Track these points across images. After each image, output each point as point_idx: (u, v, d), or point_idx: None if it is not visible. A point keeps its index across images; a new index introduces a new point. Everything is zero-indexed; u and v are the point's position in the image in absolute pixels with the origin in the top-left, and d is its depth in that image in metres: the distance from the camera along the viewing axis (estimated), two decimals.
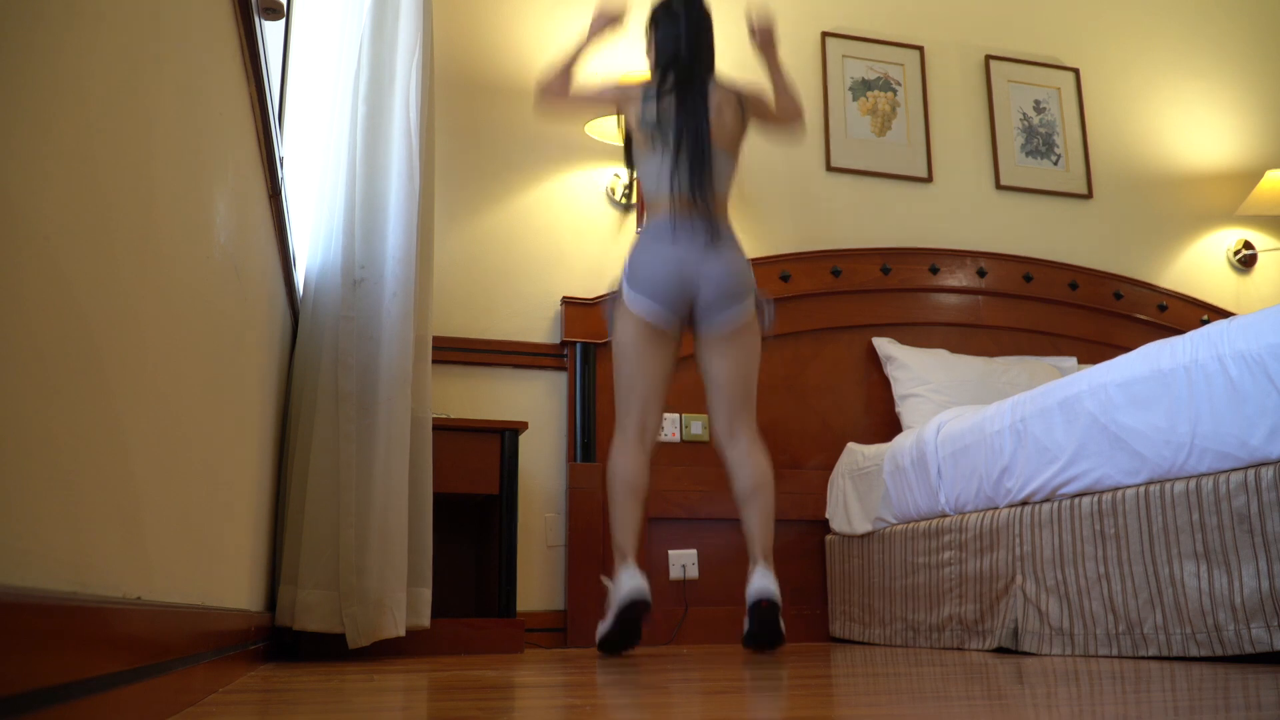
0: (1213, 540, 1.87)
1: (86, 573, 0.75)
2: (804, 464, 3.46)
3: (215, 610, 1.37)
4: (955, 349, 3.63)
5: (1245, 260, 4.31)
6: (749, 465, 2.59)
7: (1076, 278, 3.95)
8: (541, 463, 3.27)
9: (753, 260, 3.50)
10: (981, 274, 3.85)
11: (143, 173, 0.92)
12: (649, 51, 2.79)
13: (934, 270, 3.80)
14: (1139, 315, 4.00)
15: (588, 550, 3.18)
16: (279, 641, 2.37)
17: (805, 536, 3.40)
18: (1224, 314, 4.05)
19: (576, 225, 3.50)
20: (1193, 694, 1.30)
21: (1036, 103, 4.18)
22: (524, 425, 2.92)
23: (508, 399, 3.29)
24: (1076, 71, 4.26)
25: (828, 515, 3.35)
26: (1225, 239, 4.33)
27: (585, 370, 3.30)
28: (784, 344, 3.53)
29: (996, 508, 2.55)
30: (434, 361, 2.76)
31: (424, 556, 2.46)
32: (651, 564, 3.23)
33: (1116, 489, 2.14)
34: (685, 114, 2.62)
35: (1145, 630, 2.03)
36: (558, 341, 3.37)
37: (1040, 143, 4.14)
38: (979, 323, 3.81)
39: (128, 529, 0.89)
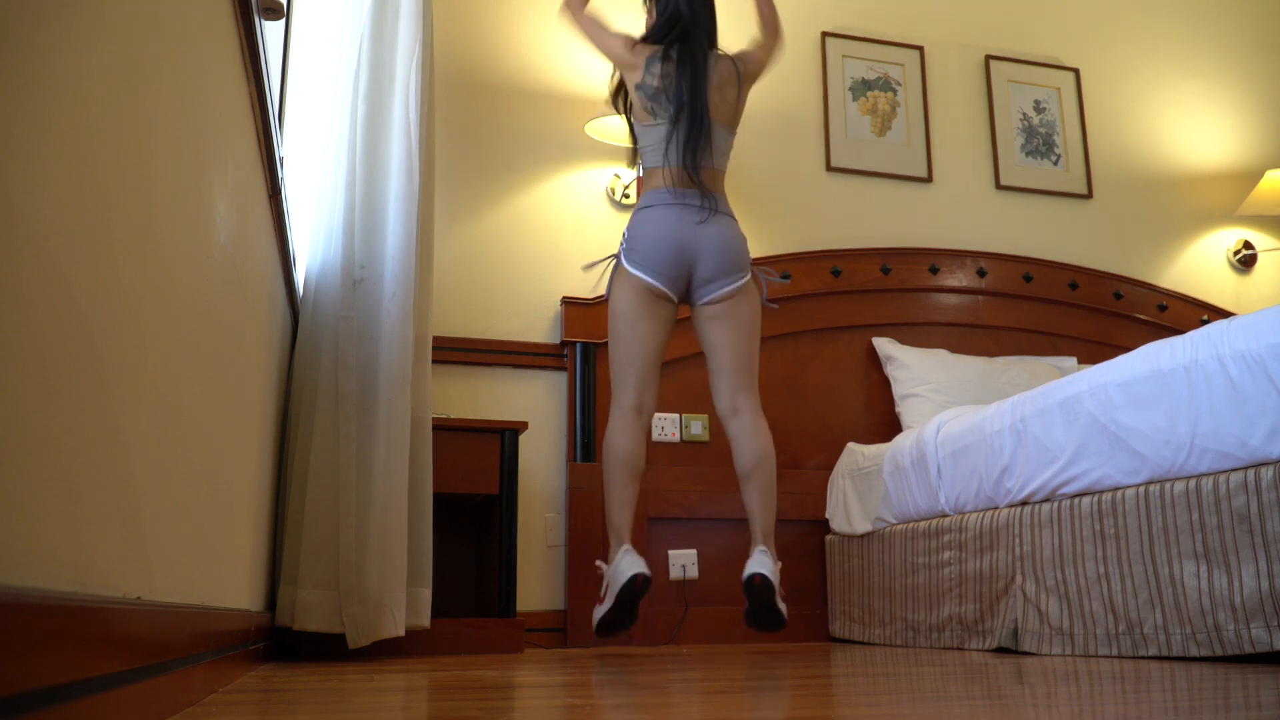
0: (1213, 540, 1.87)
1: (86, 573, 0.75)
2: (804, 464, 3.46)
3: (215, 610, 1.37)
4: (955, 349, 3.63)
5: (1245, 260, 4.31)
6: (752, 440, 2.57)
7: (1076, 278, 3.96)
8: (541, 463, 3.27)
9: (753, 260, 3.52)
10: (981, 274, 3.85)
11: (143, 173, 0.92)
12: (649, 20, 2.78)
13: (934, 270, 3.80)
14: (1139, 315, 4.00)
15: (588, 550, 3.18)
16: (279, 641, 2.37)
17: (805, 536, 3.40)
18: (1224, 314, 4.06)
19: (576, 225, 3.50)
20: (1193, 694, 1.30)
21: (1036, 103, 4.18)
22: (524, 425, 2.92)
23: (508, 399, 3.29)
24: (1076, 71, 4.26)
25: (828, 515, 3.35)
26: (1225, 239, 4.33)
27: (585, 370, 3.30)
28: (784, 344, 3.53)
29: (996, 508, 2.55)
30: (434, 361, 2.76)
31: (424, 556, 2.46)
32: (651, 564, 3.22)
33: (1116, 489, 2.14)
34: (685, 85, 2.62)
35: (1145, 630, 2.03)
36: (558, 341, 3.37)
37: (1040, 143, 4.15)
38: (979, 323, 3.81)
39: (128, 529, 0.89)
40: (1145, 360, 2.10)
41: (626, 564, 2.43)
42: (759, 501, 2.54)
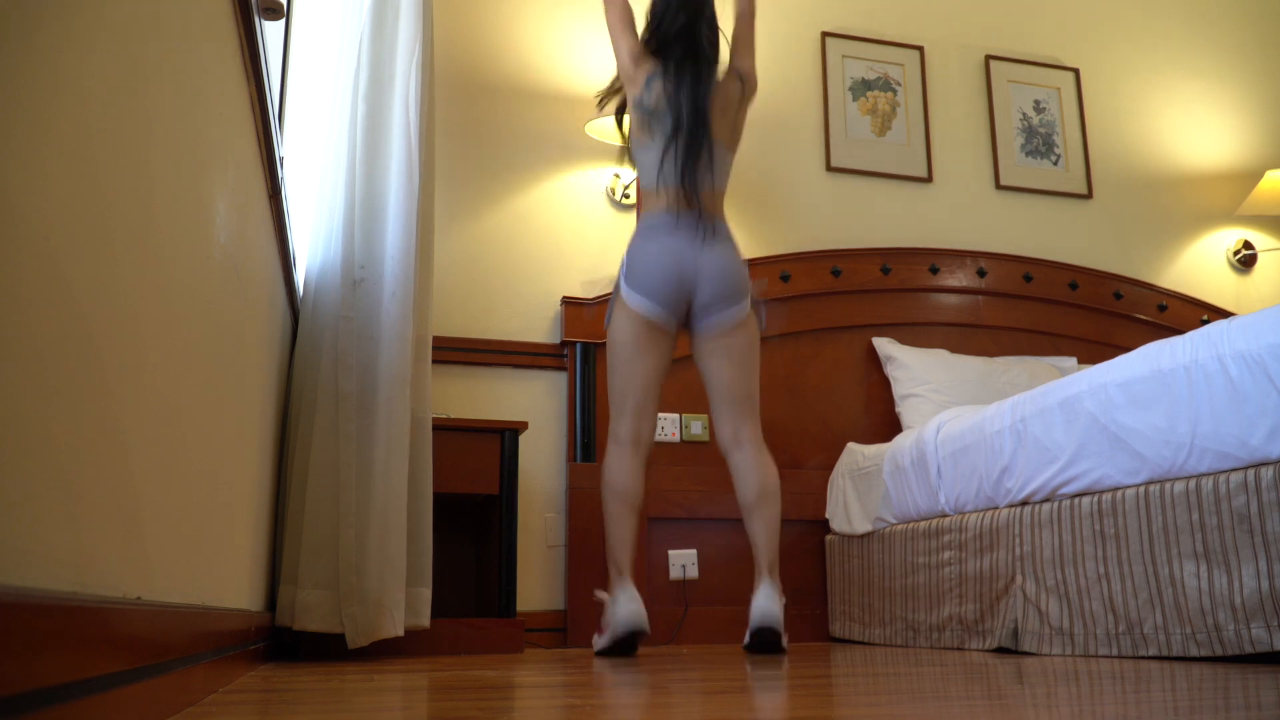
0: (1213, 540, 1.87)
1: (86, 573, 0.75)
2: (804, 464, 3.46)
3: (215, 610, 1.37)
4: (955, 349, 3.63)
5: (1245, 260, 4.31)
6: (755, 472, 2.55)
7: (1076, 278, 3.96)
8: (541, 463, 3.27)
9: (753, 260, 3.52)
10: (981, 274, 3.85)
11: (143, 173, 0.92)
12: (649, 35, 2.71)
13: (934, 270, 3.80)
14: (1139, 315, 4.00)
15: (588, 550, 3.18)
16: (279, 641, 2.37)
17: (805, 536, 3.40)
18: (1224, 314, 4.06)
19: (576, 225, 3.50)
20: (1193, 694, 1.30)
21: (1036, 103, 4.18)
22: (524, 425, 2.92)
23: (508, 399, 3.29)
24: (1076, 71, 4.26)
25: (828, 515, 3.35)
26: (1225, 239, 4.33)
27: (585, 370, 3.30)
28: (784, 344, 3.53)
29: (996, 508, 2.55)
30: (434, 361, 2.76)
31: (424, 556, 2.46)
32: (651, 564, 3.23)
33: (1116, 489, 2.14)
34: (684, 102, 2.57)
35: (1145, 630, 2.03)
36: (558, 341, 3.37)
37: (1040, 143, 4.15)
38: (979, 323, 3.81)
39: (128, 529, 0.89)
40: (1145, 360, 2.10)
41: (626, 613, 2.41)
42: (764, 534, 2.51)
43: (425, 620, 2.44)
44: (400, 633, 2.32)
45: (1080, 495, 2.25)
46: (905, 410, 3.41)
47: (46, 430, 0.67)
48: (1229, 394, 1.87)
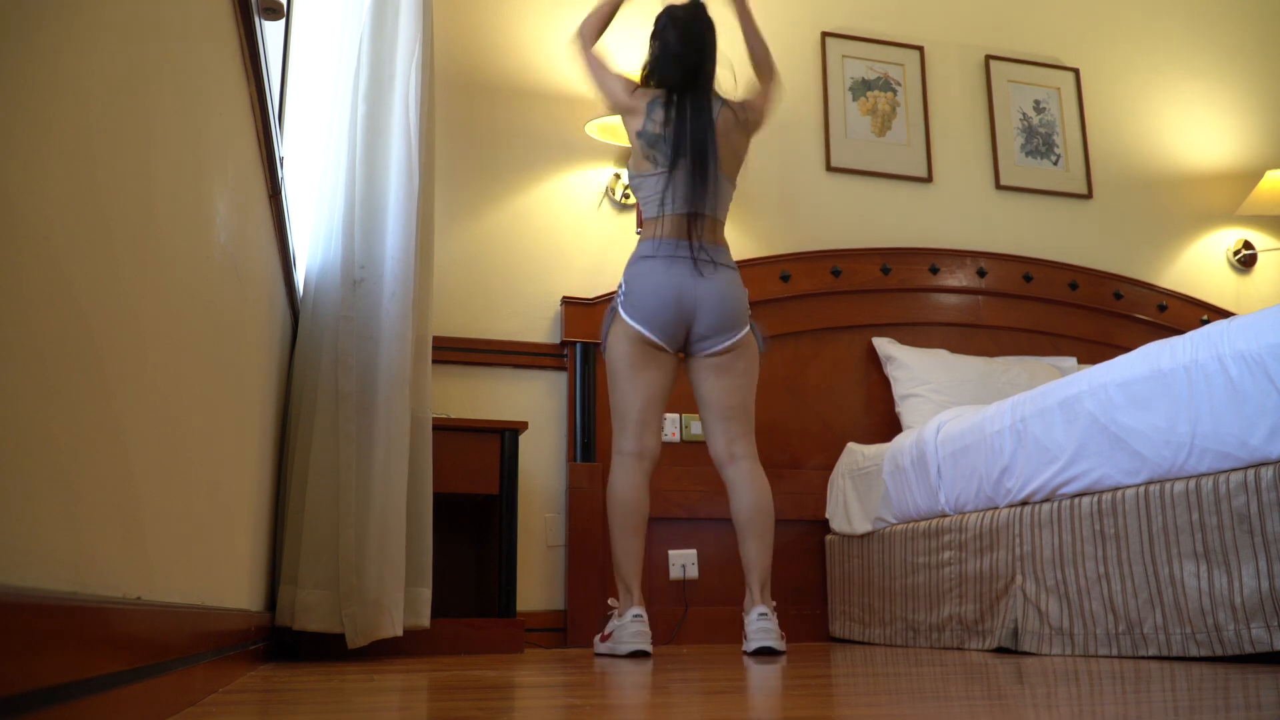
0: (1213, 540, 1.87)
1: (86, 573, 0.75)
2: (804, 464, 3.46)
3: (215, 610, 1.37)
4: (955, 349, 3.63)
5: (1245, 260, 4.31)
6: (750, 489, 2.54)
7: (1076, 278, 3.96)
8: (541, 463, 3.27)
9: (752, 260, 3.53)
10: (981, 274, 3.85)
11: (143, 173, 0.92)
12: (651, 62, 2.71)
13: (934, 270, 3.80)
14: (1139, 315, 4.00)
15: (588, 550, 3.18)
16: (279, 641, 2.37)
17: (805, 536, 3.40)
18: (1224, 314, 4.06)
19: (576, 225, 3.50)
20: (1193, 694, 1.30)
21: (1036, 103, 4.18)
22: (524, 425, 2.92)
23: (508, 399, 3.29)
24: (1076, 71, 4.26)
25: (828, 515, 3.35)
26: (1225, 239, 4.33)
27: (585, 370, 3.30)
28: (784, 344, 3.53)
29: (996, 508, 2.55)
30: (434, 361, 2.76)
31: (424, 556, 2.46)
32: (651, 564, 3.23)
33: (1116, 489, 2.14)
34: (688, 133, 2.55)
35: (1145, 630, 2.03)
36: (558, 341, 3.37)
37: (1040, 143, 4.15)
38: (979, 323, 3.81)
39: (128, 529, 0.89)
40: (1145, 360, 2.10)
41: (630, 634, 2.41)
42: (757, 551, 2.51)
43: (425, 620, 2.44)
44: (399, 633, 2.32)
45: (1080, 495, 2.25)
46: (905, 410, 3.41)
47: (46, 430, 0.67)
48: (1229, 394, 1.87)
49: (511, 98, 3.51)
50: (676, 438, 3.37)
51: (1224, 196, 4.34)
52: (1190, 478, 1.95)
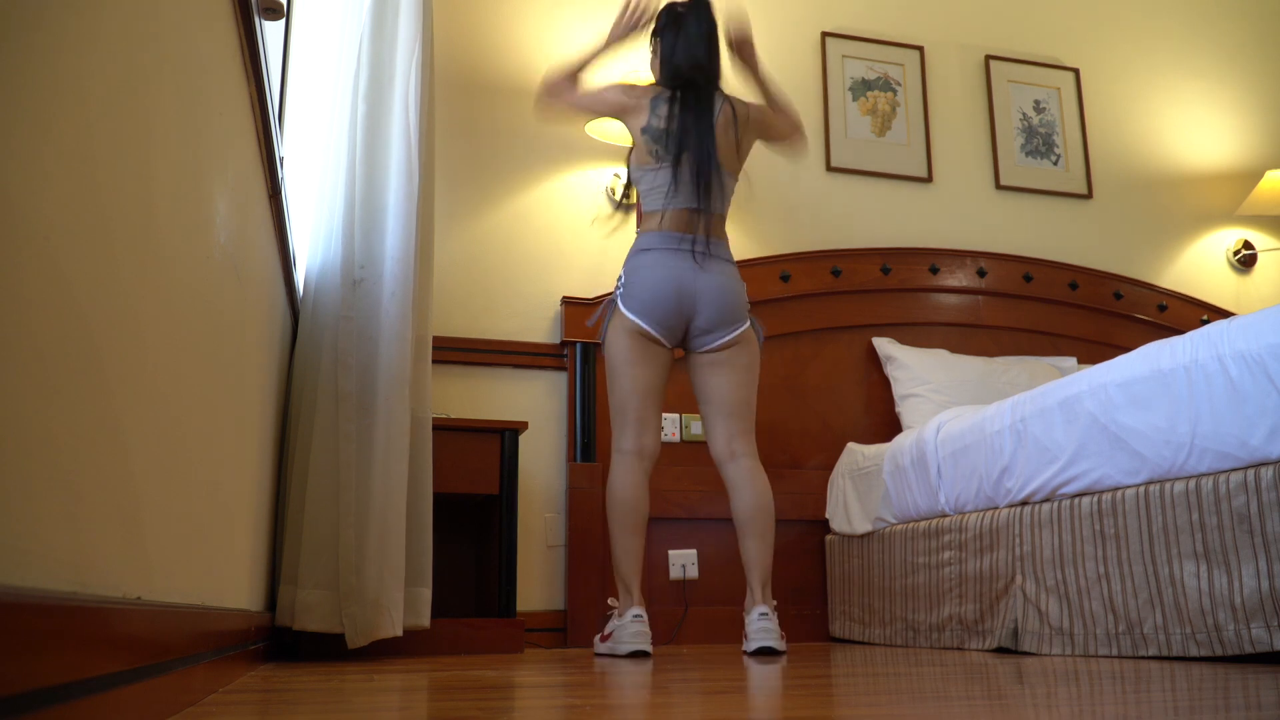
0: (1213, 540, 1.87)
1: (86, 573, 0.75)
2: (804, 464, 3.46)
3: (215, 610, 1.37)
4: (955, 349, 3.64)
5: (1245, 260, 4.31)
6: (750, 488, 2.54)
7: (1076, 278, 3.96)
8: (541, 463, 3.27)
9: (752, 260, 3.53)
10: (981, 274, 3.85)
11: (143, 173, 0.92)
12: (654, 60, 2.73)
13: (934, 270, 3.80)
14: (1139, 315, 4.00)
15: (588, 550, 3.18)
16: (279, 641, 2.37)
17: (805, 536, 3.40)
18: (1224, 314, 4.06)
19: (576, 225, 3.50)
20: (1193, 694, 1.30)
21: (1036, 103, 4.18)
22: (524, 425, 2.92)
23: (508, 399, 3.29)
24: (1076, 71, 4.26)
25: (828, 515, 3.35)
26: (1225, 239, 4.33)
27: (585, 370, 3.30)
28: (784, 344, 3.53)
29: (996, 508, 2.55)
30: (434, 361, 2.76)
31: (424, 556, 2.46)
32: (652, 564, 3.23)
33: (1116, 489, 2.14)
34: (691, 128, 2.56)
35: (1145, 630, 2.03)
36: (558, 341, 3.37)
37: (1040, 143, 4.15)
38: (979, 323, 3.81)
39: (128, 529, 0.89)
40: (1145, 360, 2.10)
41: (631, 635, 2.41)
42: (757, 550, 2.51)
43: (425, 620, 2.44)
44: (399, 633, 2.32)
45: (1080, 495, 2.25)
46: (905, 410, 3.41)
47: (46, 430, 0.67)
48: (1229, 394, 1.87)
49: (511, 98, 3.51)
50: (676, 438, 3.37)
51: (1224, 196, 4.34)
52: (1190, 478, 1.95)
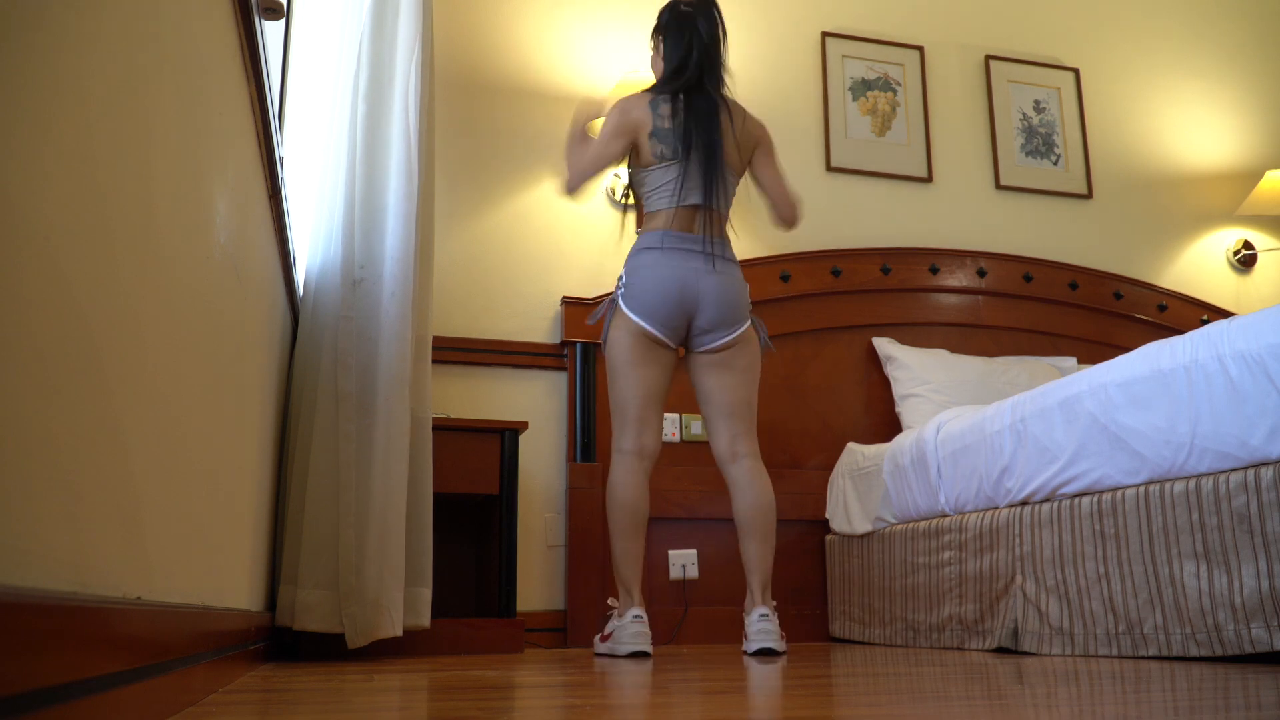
0: (1213, 540, 1.87)
1: (86, 573, 0.75)
2: (804, 464, 3.46)
3: (215, 610, 1.37)
4: (955, 349, 3.64)
5: (1245, 260, 4.31)
6: (752, 490, 2.53)
7: (1076, 278, 3.96)
8: (541, 463, 3.27)
9: (753, 260, 3.53)
10: (981, 274, 3.85)
11: (143, 173, 0.92)
12: (655, 59, 2.73)
13: (934, 270, 3.80)
14: (1139, 315, 4.00)
15: (588, 550, 3.18)
16: (279, 641, 2.37)
17: (805, 536, 3.40)
18: (1224, 314, 4.06)
19: (576, 225, 3.50)
20: (1193, 694, 1.30)
21: (1036, 103, 4.18)
22: (524, 425, 2.92)
23: (508, 399, 3.29)
24: (1076, 71, 4.26)
25: (828, 515, 3.35)
26: (1225, 239, 4.33)
27: (585, 370, 3.30)
28: (784, 344, 3.53)
29: (996, 508, 2.55)
30: (434, 361, 2.76)
31: (424, 556, 2.46)
32: (652, 564, 3.23)
33: (1116, 489, 2.14)
34: (697, 126, 2.55)
35: (1145, 630, 2.03)
36: (558, 341, 3.37)
37: (1040, 143, 4.15)
38: (979, 323, 3.81)
39: (128, 529, 0.89)
40: (1145, 360, 2.10)
41: (631, 635, 2.40)
42: (758, 551, 2.50)
43: (425, 620, 2.44)
44: (398, 633, 2.32)
45: (1080, 495, 2.25)
46: (905, 410, 3.41)
47: (46, 430, 0.67)
48: (1229, 394, 1.87)
49: (511, 98, 3.51)
50: (676, 438, 3.37)
51: (1224, 196, 4.34)
52: (1190, 478, 1.95)
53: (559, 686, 1.65)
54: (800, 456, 3.47)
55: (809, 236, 3.74)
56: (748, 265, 3.37)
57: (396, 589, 2.32)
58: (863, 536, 3.15)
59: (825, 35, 3.96)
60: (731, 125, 2.63)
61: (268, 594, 2.29)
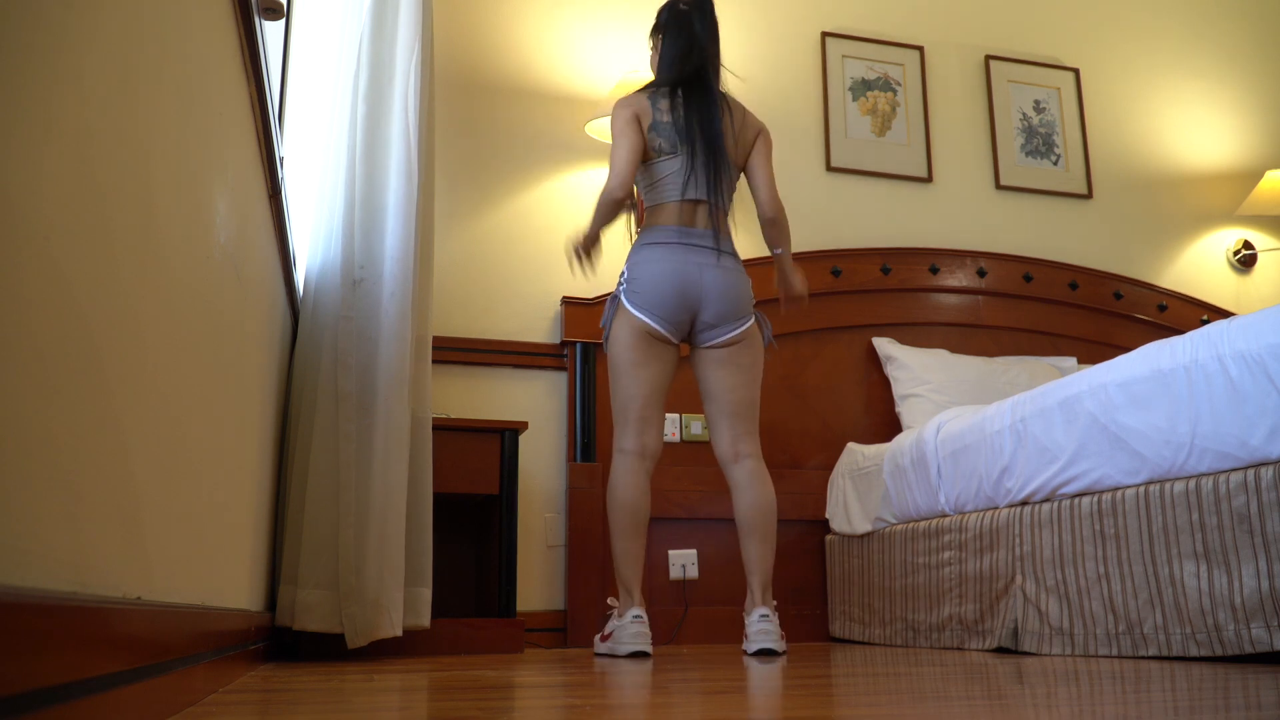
0: (1213, 540, 1.87)
1: (86, 573, 0.75)
2: (804, 464, 3.46)
3: (215, 610, 1.37)
4: (955, 349, 3.64)
5: (1245, 260, 4.31)
6: (754, 490, 2.53)
7: (1076, 278, 3.96)
8: (541, 463, 3.27)
9: (753, 260, 3.52)
10: (981, 274, 3.85)
11: (142, 173, 0.92)
12: (654, 57, 2.73)
13: (934, 270, 3.80)
14: (1139, 315, 4.00)
15: (588, 550, 3.18)
16: (279, 641, 2.37)
17: (805, 536, 3.40)
18: (1224, 314, 4.06)
19: (576, 225, 3.49)
20: (1193, 694, 1.30)
21: (1036, 103, 4.18)
22: (524, 425, 2.92)
23: (508, 399, 3.29)
24: (1076, 71, 4.26)
25: (828, 515, 3.35)
26: (1225, 239, 4.33)
27: (585, 370, 3.30)
28: (784, 344, 3.53)
29: (996, 508, 2.55)
30: (434, 361, 2.76)
31: (424, 556, 2.46)
32: (652, 564, 3.23)
33: (1116, 489, 2.14)
34: (698, 121, 2.55)
35: (1145, 630, 2.03)
36: (558, 341, 3.37)
37: (1040, 143, 4.15)
38: (979, 323, 3.81)
39: (128, 529, 0.89)
40: (1145, 360, 2.10)
41: (631, 635, 2.40)
42: (759, 552, 2.50)
43: (425, 620, 2.44)
44: (398, 633, 2.32)
45: (1080, 495, 2.25)
46: (905, 410, 3.41)
47: (46, 430, 0.67)
48: (1229, 394, 1.87)
49: (511, 98, 3.51)
50: (676, 438, 3.37)
51: (1224, 196, 4.34)
52: (1190, 478, 1.95)
53: (559, 686, 1.65)
54: (800, 456, 3.47)
55: (809, 236, 3.74)
56: (748, 265, 3.36)
57: (396, 589, 2.32)
58: (863, 536, 3.15)
59: (825, 35, 3.96)
60: (730, 120, 2.63)
61: (268, 594, 2.29)
